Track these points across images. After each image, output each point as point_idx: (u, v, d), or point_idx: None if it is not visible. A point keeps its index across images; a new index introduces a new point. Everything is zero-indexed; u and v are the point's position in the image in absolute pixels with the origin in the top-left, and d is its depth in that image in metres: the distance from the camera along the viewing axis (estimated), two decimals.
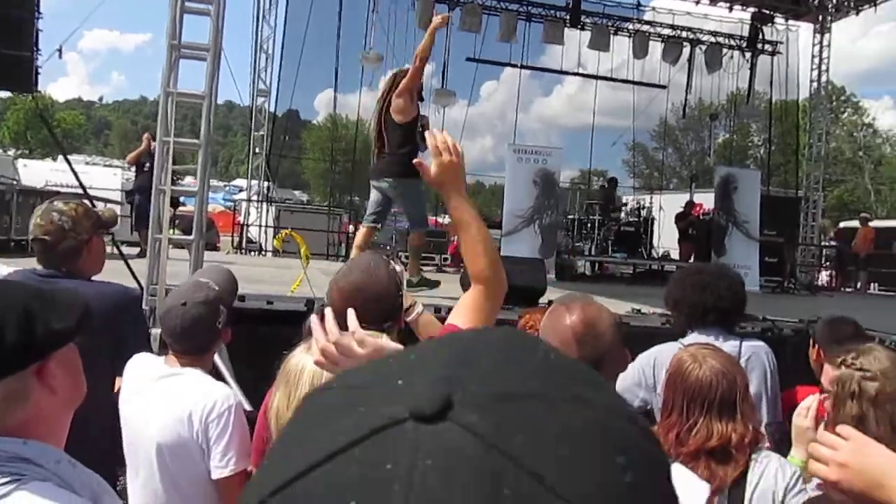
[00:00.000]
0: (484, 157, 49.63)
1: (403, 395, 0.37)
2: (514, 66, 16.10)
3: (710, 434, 1.90)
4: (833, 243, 19.55)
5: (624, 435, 0.38)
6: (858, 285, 16.95)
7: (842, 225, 24.70)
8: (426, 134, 1.77)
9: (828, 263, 18.95)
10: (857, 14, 16.54)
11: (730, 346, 2.80)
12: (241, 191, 23.29)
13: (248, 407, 2.45)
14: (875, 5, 16.08)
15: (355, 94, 17.20)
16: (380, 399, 0.37)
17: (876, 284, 17.20)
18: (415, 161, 1.89)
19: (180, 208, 10.19)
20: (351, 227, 14.27)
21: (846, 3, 16.38)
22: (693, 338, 2.82)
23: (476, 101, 53.88)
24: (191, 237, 5.03)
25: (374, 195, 6.33)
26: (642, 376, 2.85)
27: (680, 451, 1.90)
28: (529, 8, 15.35)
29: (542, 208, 11.78)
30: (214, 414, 2.07)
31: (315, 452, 0.36)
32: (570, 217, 13.51)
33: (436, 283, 6.38)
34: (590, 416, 0.38)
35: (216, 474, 2.09)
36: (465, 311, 1.74)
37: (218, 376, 2.66)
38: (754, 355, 2.90)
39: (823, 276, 18.76)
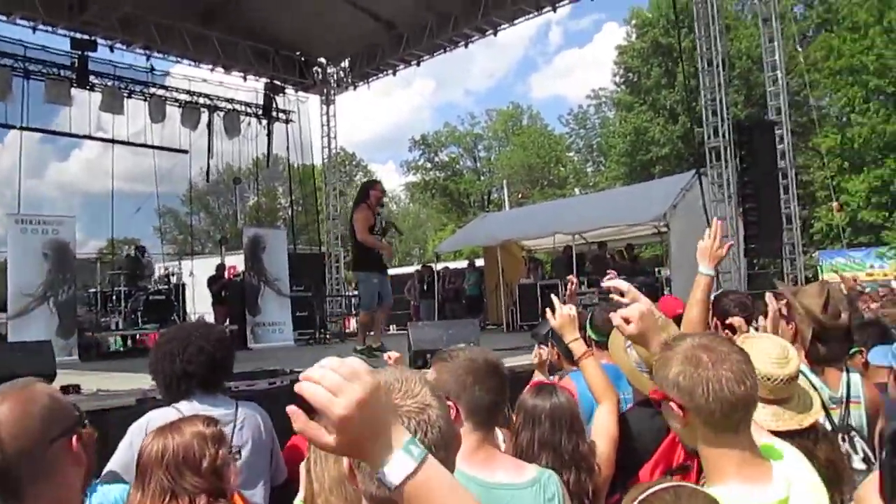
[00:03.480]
0: None
1: None
2: (14, 127, 14.28)
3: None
4: (356, 292, 21.52)
5: None
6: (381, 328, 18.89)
7: None
8: None
9: (354, 311, 20.75)
10: (355, 89, 18.78)
11: (222, 411, 2.76)
12: None
13: None
14: (368, 83, 18.47)
15: None
16: None
17: (394, 325, 19.35)
18: None
19: None
20: None
21: (345, 80, 18.47)
22: (185, 405, 2.72)
23: None
24: None
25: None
26: (132, 450, 2.64)
27: None
28: (27, 64, 13.83)
29: (57, 283, 10.59)
30: None
31: None
32: (92, 290, 12.41)
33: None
34: None
35: None
36: None
37: None
38: (248, 418, 2.89)
39: (352, 323, 20.46)
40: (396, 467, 1.00)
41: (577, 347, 2.65)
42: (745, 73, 32.03)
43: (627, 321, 2.12)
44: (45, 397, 1.45)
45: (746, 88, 32.30)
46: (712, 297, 2.92)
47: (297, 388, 1.02)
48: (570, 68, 71.03)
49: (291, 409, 1.04)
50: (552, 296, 2.94)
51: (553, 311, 2.74)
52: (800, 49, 24.20)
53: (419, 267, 19.90)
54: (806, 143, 28.11)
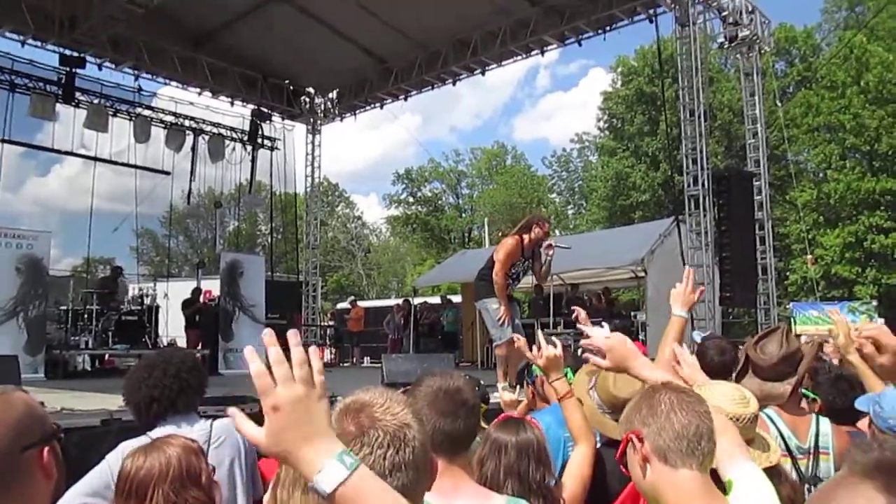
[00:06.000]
0: None
1: None
2: None
3: None
4: (331, 323, 21.42)
5: None
6: (354, 360, 18.78)
7: (339, 306, 27.29)
8: None
9: (329, 342, 20.61)
10: (342, 120, 18.88)
11: (198, 428, 2.75)
12: None
13: None
14: (355, 115, 18.60)
15: None
16: None
17: (368, 357, 19.22)
18: None
19: None
20: None
21: (332, 110, 18.56)
22: (160, 430, 2.68)
23: None
24: None
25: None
26: (110, 476, 2.58)
27: None
28: (13, 77, 13.80)
29: (28, 298, 10.45)
30: None
31: None
32: (63, 308, 12.23)
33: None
34: None
35: None
36: None
37: None
38: (226, 435, 2.86)
39: (327, 354, 20.29)
40: (329, 475, 1.03)
41: (561, 386, 2.65)
42: (725, 125, 32.65)
43: (602, 356, 2.16)
44: (21, 405, 1.42)
45: (727, 140, 32.92)
46: (698, 346, 2.95)
47: (248, 353, 1.09)
48: (555, 112, 71.93)
49: (232, 410, 1.11)
50: (539, 332, 2.90)
51: (539, 348, 2.74)
52: (779, 104, 24.72)
53: (400, 301, 19.82)
54: (783, 197, 28.62)
